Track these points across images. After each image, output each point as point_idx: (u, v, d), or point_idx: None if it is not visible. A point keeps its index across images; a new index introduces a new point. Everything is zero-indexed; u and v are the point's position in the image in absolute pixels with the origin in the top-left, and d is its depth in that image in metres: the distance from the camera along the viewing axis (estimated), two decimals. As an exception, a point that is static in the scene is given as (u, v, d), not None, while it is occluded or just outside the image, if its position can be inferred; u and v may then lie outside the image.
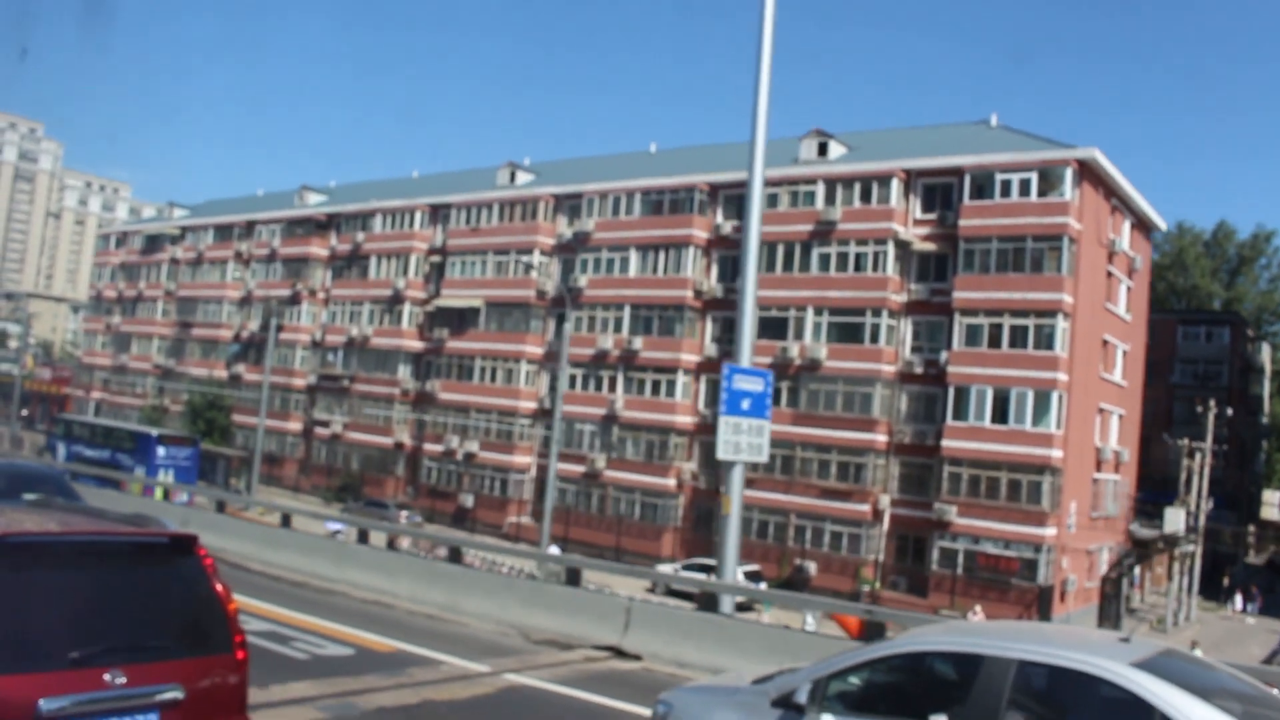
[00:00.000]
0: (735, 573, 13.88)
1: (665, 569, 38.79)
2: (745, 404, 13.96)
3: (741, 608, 35.78)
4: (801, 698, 5.66)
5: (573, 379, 47.23)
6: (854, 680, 5.81)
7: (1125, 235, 42.66)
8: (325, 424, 57.10)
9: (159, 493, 41.74)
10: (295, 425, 59.78)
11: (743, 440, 13.88)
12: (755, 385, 14.12)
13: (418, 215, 54.77)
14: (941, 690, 5.57)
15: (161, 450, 45.04)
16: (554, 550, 44.01)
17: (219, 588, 5.08)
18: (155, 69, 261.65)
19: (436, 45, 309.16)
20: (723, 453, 13.62)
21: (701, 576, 36.80)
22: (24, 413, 78.95)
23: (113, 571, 4.79)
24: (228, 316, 65.80)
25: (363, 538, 20.70)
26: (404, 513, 48.53)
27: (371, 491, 53.60)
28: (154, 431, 46.77)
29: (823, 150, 43.94)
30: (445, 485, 51.03)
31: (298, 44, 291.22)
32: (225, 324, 65.69)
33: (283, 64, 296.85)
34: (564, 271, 49.42)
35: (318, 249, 60.57)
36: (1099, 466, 40.83)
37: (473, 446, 49.72)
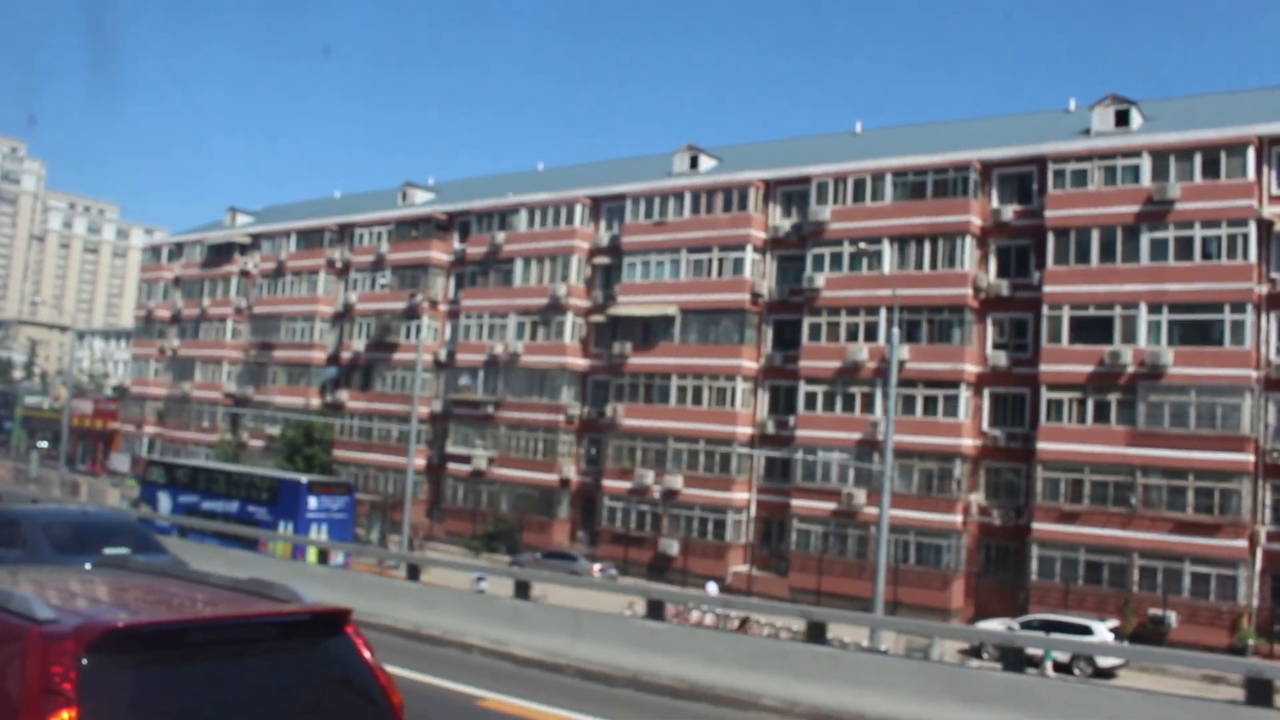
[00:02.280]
0: None
1: (992, 626, 31.20)
2: None
3: (1025, 662, 28.27)
4: None
5: (810, 398, 39.51)
6: None
7: None
8: (464, 459, 48.35)
9: (312, 553, 33.45)
10: (419, 461, 50.87)
11: None
12: None
13: (578, 210, 46.67)
14: None
15: (313, 500, 36.22)
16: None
17: (378, 672, 4.09)
18: (141, 87, 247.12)
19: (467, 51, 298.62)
20: None
21: (1080, 639, 29.33)
22: (33, 446, 68.63)
23: (254, 662, 3.82)
24: (320, 335, 56.74)
25: (817, 634, 13.20)
26: (596, 565, 40.16)
27: (531, 539, 45.03)
28: (303, 478, 37.89)
29: (1122, 119, 37.05)
30: (636, 529, 42.66)
31: (297, 61, 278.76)
32: (318, 344, 56.59)
33: (280, 78, 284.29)
34: (781, 270, 41.79)
35: (439, 253, 52.04)
36: None
37: (674, 481, 41.51)
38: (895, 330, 29.26)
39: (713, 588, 37.89)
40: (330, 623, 4.08)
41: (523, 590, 17.85)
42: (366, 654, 4.09)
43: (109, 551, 9.66)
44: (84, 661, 3.38)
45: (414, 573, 21.28)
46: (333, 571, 24.31)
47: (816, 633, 13.37)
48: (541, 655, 13.42)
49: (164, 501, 40.61)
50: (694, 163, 46.30)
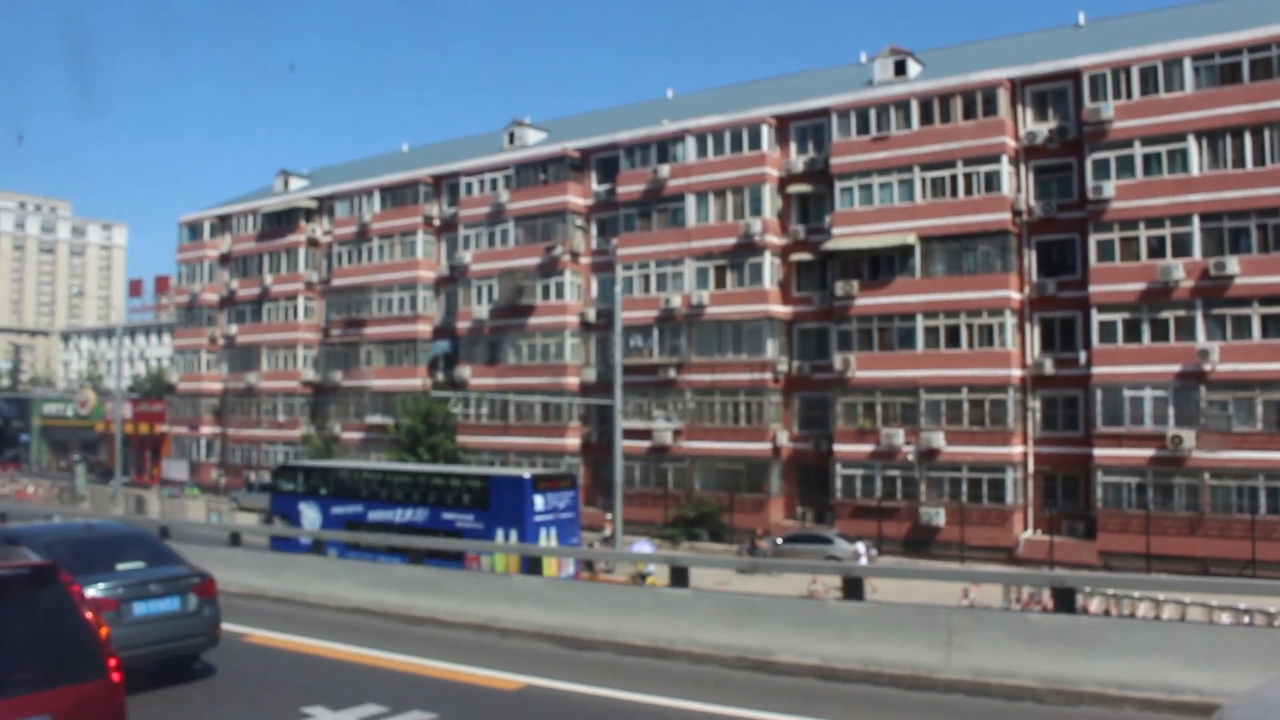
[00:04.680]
0: None
1: None
2: None
3: None
4: None
5: (1107, 328, 33.48)
6: None
7: None
8: (640, 433, 41.04)
9: (549, 564, 26.30)
10: (573, 440, 43.53)
11: None
12: None
13: (764, 132, 39.76)
14: None
15: (539, 499, 28.93)
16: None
17: (88, 615, 5.09)
18: (86, 80, 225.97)
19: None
20: None
21: None
22: (76, 459, 59.24)
23: None
24: (424, 305, 48.77)
25: None
26: (859, 545, 33.65)
27: (742, 521, 38.26)
28: (525, 473, 30.39)
29: None
30: (884, 499, 36.16)
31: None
32: (422, 315, 48.63)
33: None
34: (1040, 182, 35.64)
35: (575, 198, 44.57)
36: None
37: (934, 439, 35.13)
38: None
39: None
40: (46, 576, 5.05)
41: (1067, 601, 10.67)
42: (76, 600, 5.05)
43: (122, 567, 9.23)
44: None
45: (854, 588, 13.31)
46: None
47: None
48: None
49: (309, 514, 32.70)
50: (899, 68, 39.74)
